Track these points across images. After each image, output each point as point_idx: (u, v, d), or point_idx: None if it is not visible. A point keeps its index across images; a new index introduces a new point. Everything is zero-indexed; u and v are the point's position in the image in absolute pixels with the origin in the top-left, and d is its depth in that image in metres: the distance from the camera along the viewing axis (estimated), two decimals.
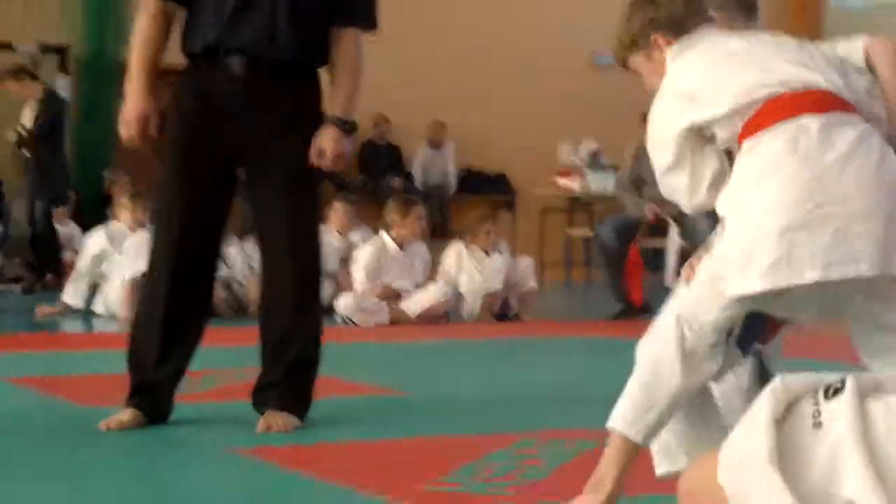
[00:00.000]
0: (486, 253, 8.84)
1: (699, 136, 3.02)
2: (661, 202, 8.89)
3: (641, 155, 9.27)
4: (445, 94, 14.63)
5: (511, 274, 8.84)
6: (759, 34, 3.21)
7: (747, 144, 2.91)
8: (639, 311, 8.92)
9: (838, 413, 0.91)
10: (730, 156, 3.01)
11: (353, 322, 8.37)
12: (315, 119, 4.41)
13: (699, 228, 8.77)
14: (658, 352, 2.97)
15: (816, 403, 0.96)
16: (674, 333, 2.92)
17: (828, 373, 0.97)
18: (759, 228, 2.80)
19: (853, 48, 3.11)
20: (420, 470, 3.74)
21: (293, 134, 4.36)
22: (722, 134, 2.99)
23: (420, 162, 15.04)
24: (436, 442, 4.25)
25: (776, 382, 0.99)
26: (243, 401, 4.52)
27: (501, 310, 8.85)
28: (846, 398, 0.93)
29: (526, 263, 9.00)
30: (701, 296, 2.91)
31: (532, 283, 8.89)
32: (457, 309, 8.80)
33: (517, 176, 15.51)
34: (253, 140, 4.36)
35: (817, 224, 2.77)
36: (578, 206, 14.30)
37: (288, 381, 4.40)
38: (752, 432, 0.97)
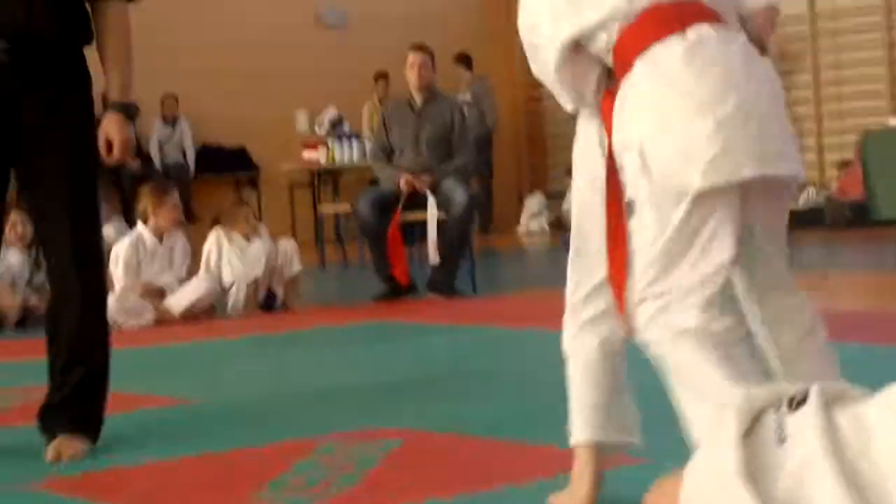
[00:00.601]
0: (247, 239, 8.60)
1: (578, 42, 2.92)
2: (416, 172, 8.81)
3: (388, 122, 9.24)
4: (173, 67, 14.21)
5: (273, 259, 8.56)
6: None
7: (642, 57, 2.83)
8: (404, 289, 8.82)
9: (804, 426, 0.87)
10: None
11: (117, 325, 8.04)
12: (86, 107, 4.18)
13: (455, 199, 8.78)
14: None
15: (780, 416, 0.91)
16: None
17: (790, 384, 0.93)
18: (691, 130, 2.73)
19: None
20: (229, 489, 3.62)
21: (64, 125, 4.10)
22: (597, 41, 2.90)
23: (155, 140, 14.66)
24: (237, 455, 4.12)
25: (741, 395, 0.94)
26: (29, 425, 4.29)
27: (266, 300, 8.61)
28: (811, 410, 0.88)
29: (288, 246, 8.72)
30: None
31: (297, 267, 8.65)
32: (222, 301, 8.56)
33: (258, 150, 15.27)
34: (23, 133, 4.09)
35: (742, 122, 2.74)
36: (325, 179, 14.11)
37: (77, 399, 4.19)
38: (717, 450, 0.91)
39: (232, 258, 8.47)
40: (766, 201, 2.86)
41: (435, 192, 8.78)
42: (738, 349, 2.74)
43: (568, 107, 3.07)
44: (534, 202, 16.67)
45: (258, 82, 15.00)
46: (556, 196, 16.12)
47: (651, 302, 2.77)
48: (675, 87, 2.77)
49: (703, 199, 2.72)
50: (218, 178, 14.94)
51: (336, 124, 14.89)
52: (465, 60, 15.92)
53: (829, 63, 14.72)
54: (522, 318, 7.36)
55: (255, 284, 8.51)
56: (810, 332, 2.90)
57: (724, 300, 2.79)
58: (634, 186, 2.83)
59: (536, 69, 3.08)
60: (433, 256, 8.68)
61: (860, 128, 12.66)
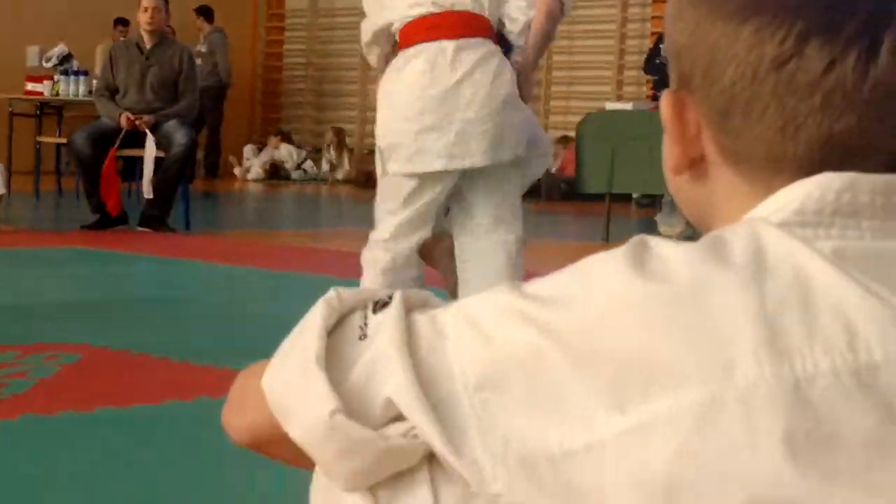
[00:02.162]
0: None
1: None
2: (138, 112, 8.73)
3: (115, 61, 9.12)
4: None
5: None
6: None
7: (402, 54, 3.97)
8: (115, 220, 8.75)
9: (383, 324, 0.89)
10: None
11: None
12: None
13: (176, 139, 8.69)
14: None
15: (365, 317, 0.95)
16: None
17: (383, 290, 0.96)
18: (400, 131, 3.94)
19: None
20: None
21: None
22: (393, 30, 4.04)
23: None
24: None
25: (330, 293, 0.96)
26: None
27: None
28: (391, 310, 0.92)
29: None
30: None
31: (2, 189, 8.42)
32: None
33: None
34: None
35: (444, 128, 3.90)
36: (48, 111, 13.78)
37: None
38: (301, 339, 0.93)
39: None
40: (485, 179, 4.03)
41: (155, 131, 8.71)
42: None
43: (373, 64, 4.19)
44: (248, 150, 16.71)
45: None
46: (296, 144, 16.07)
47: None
48: (403, 94, 3.94)
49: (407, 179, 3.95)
50: None
51: (64, 60, 14.52)
52: (205, 12, 15.80)
53: (562, 48, 15.09)
54: (228, 255, 7.37)
55: None
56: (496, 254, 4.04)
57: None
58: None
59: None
60: (147, 191, 8.61)
61: (586, 110, 13.04)
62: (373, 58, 4.16)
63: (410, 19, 3.94)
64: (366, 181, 14.98)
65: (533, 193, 12.96)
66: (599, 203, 9.62)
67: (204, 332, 4.84)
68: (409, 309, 0.93)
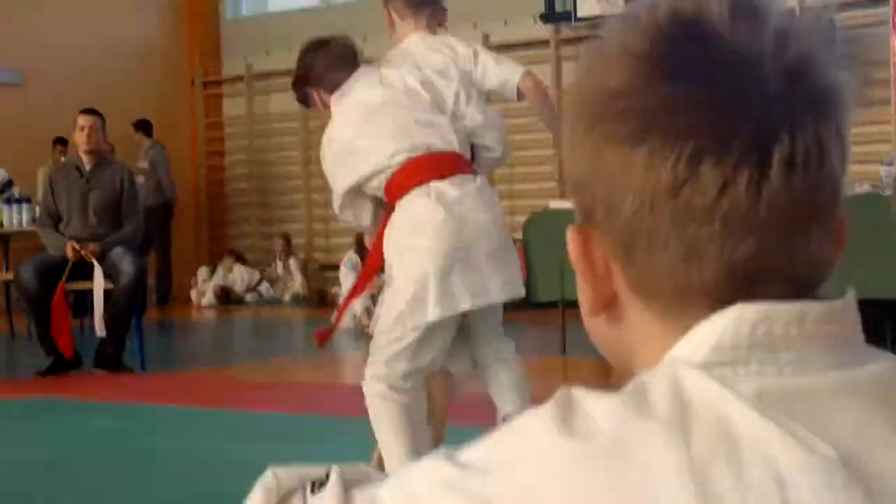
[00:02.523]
0: None
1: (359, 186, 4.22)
2: (83, 240, 8.53)
3: (55, 187, 8.92)
4: None
5: None
6: (404, 73, 4.30)
7: (399, 203, 4.12)
8: (69, 363, 8.53)
9: None
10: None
11: None
12: None
13: (123, 269, 8.54)
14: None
15: (304, 498, 0.97)
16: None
17: (319, 466, 0.98)
18: (422, 275, 4.06)
19: (507, 84, 4.43)
20: None
21: None
22: (371, 184, 4.20)
23: None
24: None
25: (267, 474, 0.97)
26: None
27: None
28: (329, 491, 0.95)
29: None
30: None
31: None
32: None
33: None
34: None
35: (460, 267, 4.09)
36: None
37: None
38: None
39: None
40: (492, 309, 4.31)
41: (102, 261, 8.54)
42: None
43: (363, 223, 4.39)
44: (203, 272, 16.43)
45: None
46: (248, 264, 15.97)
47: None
48: (416, 236, 4.08)
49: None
50: None
51: (5, 187, 14.35)
52: (144, 126, 15.66)
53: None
54: (185, 395, 7.28)
55: None
56: (505, 365, 4.44)
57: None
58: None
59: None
60: (99, 329, 8.43)
61: (528, 209, 13.02)
62: (355, 217, 4.33)
63: (397, 167, 4.13)
64: (319, 300, 14.79)
65: None
66: (552, 310, 9.31)
67: (170, 482, 4.74)
68: (347, 487, 0.93)
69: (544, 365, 7.89)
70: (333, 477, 0.95)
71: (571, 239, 0.94)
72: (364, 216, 4.32)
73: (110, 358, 8.53)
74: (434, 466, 0.88)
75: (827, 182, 0.89)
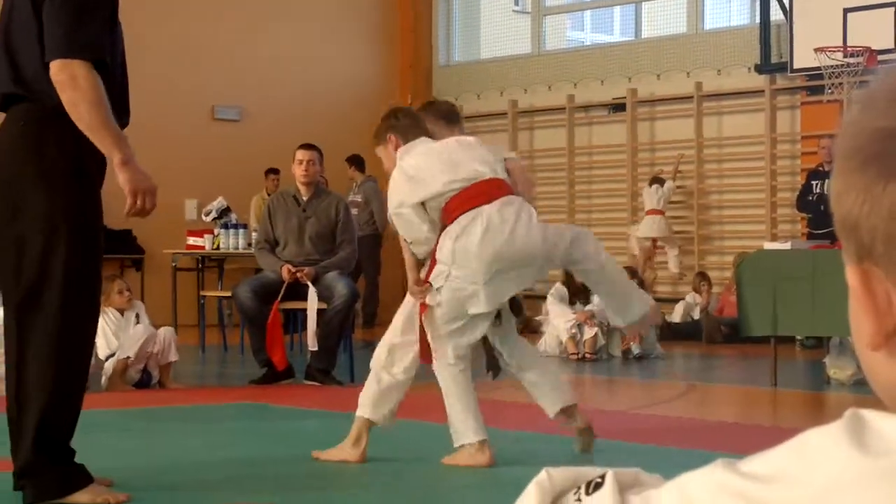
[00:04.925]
0: (122, 313, 8.52)
1: (421, 206, 5.40)
2: (299, 264, 8.84)
3: (273, 214, 9.26)
4: None
5: (150, 343, 8.41)
6: (459, 138, 5.65)
7: (455, 222, 5.29)
8: (282, 374, 8.82)
9: None
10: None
11: None
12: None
13: (337, 290, 8.79)
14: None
15: (579, 500, 0.96)
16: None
17: (591, 468, 0.98)
18: (475, 277, 5.30)
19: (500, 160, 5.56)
20: None
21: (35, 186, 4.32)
22: (432, 204, 5.39)
23: None
24: None
25: (542, 475, 0.98)
26: None
27: (142, 378, 8.45)
28: (606, 493, 0.94)
29: (167, 334, 8.56)
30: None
31: (174, 357, 8.53)
32: (97, 375, 8.36)
33: (144, 234, 15.19)
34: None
35: (504, 272, 5.32)
36: (209, 265, 14.06)
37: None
38: None
39: (107, 333, 8.33)
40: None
41: (316, 283, 8.81)
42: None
43: (420, 254, 5.53)
44: None
45: (151, 171, 14.90)
46: None
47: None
48: (471, 249, 5.26)
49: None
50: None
51: (223, 213, 14.85)
52: (357, 162, 16.03)
53: (712, 187, 15.05)
54: (401, 408, 7.36)
55: (125, 362, 8.36)
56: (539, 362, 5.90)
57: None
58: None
59: (403, 231, 5.48)
60: (311, 343, 8.68)
61: (739, 249, 12.96)
62: (418, 231, 5.39)
63: (454, 193, 5.32)
64: (524, 327, 14.85)
65: (695, 336, 12.94)
66: (760, 345, 9.40)
67: (398, 494, 4.86)
68: (621, 489, 0.93)
69: (757, 395, 7.82)
70: (609, 479, 0.94)
71: (852, 277, 0.93)
72: (424, 225, 5.42)
73: (321, 371, 8.77)
74: (714, 473, 0.89)
75: None
